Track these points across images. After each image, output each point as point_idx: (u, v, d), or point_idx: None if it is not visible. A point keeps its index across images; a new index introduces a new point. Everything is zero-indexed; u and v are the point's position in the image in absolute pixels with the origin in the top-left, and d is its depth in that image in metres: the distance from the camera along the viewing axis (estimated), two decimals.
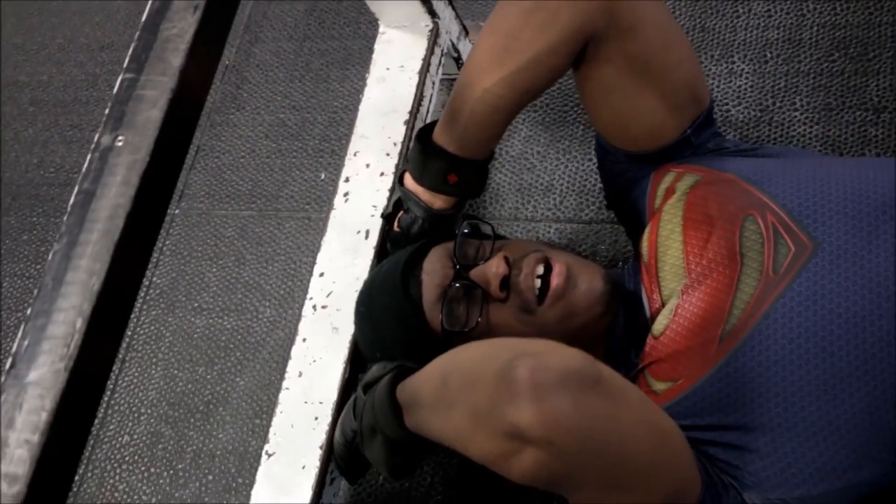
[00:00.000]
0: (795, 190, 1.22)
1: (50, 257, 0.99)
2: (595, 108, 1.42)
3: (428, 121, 1.74)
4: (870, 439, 1.11)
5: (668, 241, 1.30)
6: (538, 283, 1.30)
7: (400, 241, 1.52)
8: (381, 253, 1.57)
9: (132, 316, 1.88)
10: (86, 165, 1.03)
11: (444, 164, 1.46)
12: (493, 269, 1.30)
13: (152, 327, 1.89)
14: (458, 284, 1.32)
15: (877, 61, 1.76)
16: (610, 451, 1.01)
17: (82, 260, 0.97)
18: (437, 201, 1.49)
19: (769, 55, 1.83)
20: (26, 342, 0.94)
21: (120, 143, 1.03)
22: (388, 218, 1.56)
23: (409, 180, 1.52)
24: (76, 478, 1.74)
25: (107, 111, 1.06)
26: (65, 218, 1.01)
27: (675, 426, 1.12)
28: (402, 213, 1.53)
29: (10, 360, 0.94)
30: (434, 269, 1.35)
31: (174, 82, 1.05)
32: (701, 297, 1.23)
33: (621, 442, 1.02)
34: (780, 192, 1.23)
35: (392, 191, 1.61)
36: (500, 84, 1.37)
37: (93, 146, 1.04)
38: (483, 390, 1.03)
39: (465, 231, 1.38)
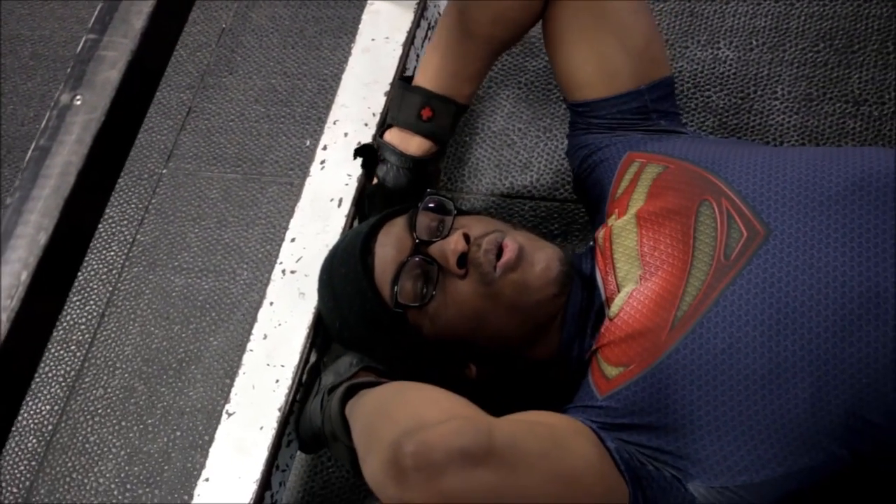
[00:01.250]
0: (751, 176, 1.23)
1: (3, 211, 1.01)
2: (555, 53, 1.49)
3: (421, 57, 1.76)
4: (812, 428, 1.12)
5: (624, 232, 1.32)
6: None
7: (376, 195, 1.55)
8: (353, 222, 1.59)
9: (114, 272, 1.92)
10: (44, 122, 1.05)
11: (420, 97, 1.52)
12: (452, 245, 1.30)
13: (133, 284, 1.92)
14: (415, 259, 1.33)
15: (861, 54, 1.77)
16: None
17: (32, 215, 0.99)
18: (412, 145, 1.53)
19: (755, 42, 1.83)
20: None
21: (78, 103, 1.05)
22: (362, 163, 1.59)
23: (387, 133, 1.55)
24: (49, 427, 1.78)
25: (68, 70, 1.08)
26: (20, 173, 1.03)
27: (586, 456, 1.13)
28: (379, 164, 1.55)
29: None
30: (390, 242, 1.36)
31: (135, 45, 1.07)
32: (656, 281, 1.24)
33: (521, 497, 1.03)
34: (735, 177, 1.24)
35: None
36: (475, 21, 1.46)
37: (52, 104, 1.06)
38: (379, 460, 1.04)
39: (428, 205, 1.39)
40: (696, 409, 1.16)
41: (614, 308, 1.28)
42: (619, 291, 1.29)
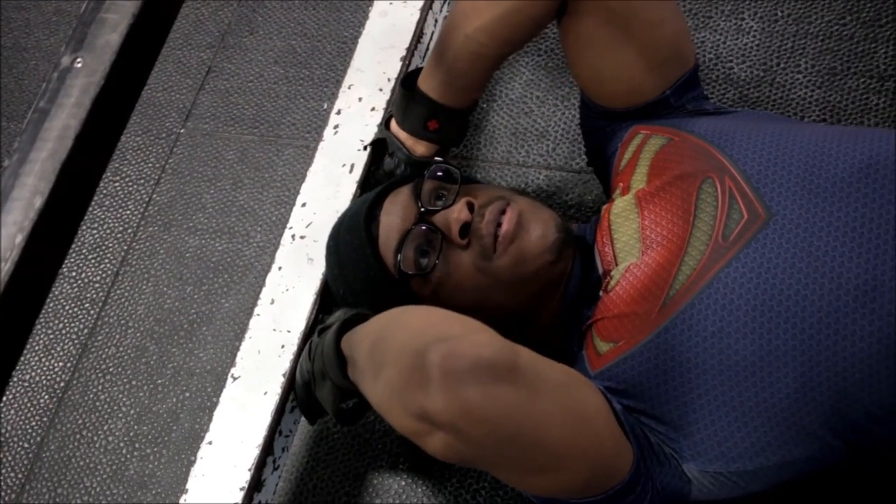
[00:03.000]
0: (758, 155, 1.21)
1: (1, 173, 1.01)
2: (575, 62, 1.42)
3: (426, 59, 1.74)
4: (804, 418, 1.10)
5: (625, 210, 1.30)
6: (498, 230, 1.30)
7: (383, 182, 1.53)
8: (364, 188, 1.58)
9: (129, 231, 1.92)
10: (44, 84, 1.04)
11: (425, 109, 1.47)
12: (455, 214, 1.30)
13: (148, 244, 1.92)
14: (419, 227, 1.32)
15: (889, 28, 1.73)
16: (523, 438, 1.02)
17: (29, 178, 0.99)
18: (419, 147, 1.50)
19: (780, 13, 1.80)
20: None
21: (79, 65, 1.05)
22: (371, 151, 1.58)
23: (394, 124, 1.53)
24: (62, 384, 1.79)
25: (70, 32, 1.07)
26: (19, 135, 1.03)
27: (598, 405, 1.13)
28: (386, 156, 1.54)
29: None
30: (395, 210, 1.35)
31: (136, 8, 1.06)
32: (653, 256, 1.23)
33: (535, 429, 1.03)
34: (741, 155, 1.22)
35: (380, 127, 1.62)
36: (481, 31, 1.37)
37: (54, 66, 1.06)
38: (400, 368, 1.04)
39: (435, 174, 1.38)
40: (686, 392, 1.15)
41: (612, 282, 1.27)
42: (616, 265, 1.28)
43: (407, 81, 1.51)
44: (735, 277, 1.13)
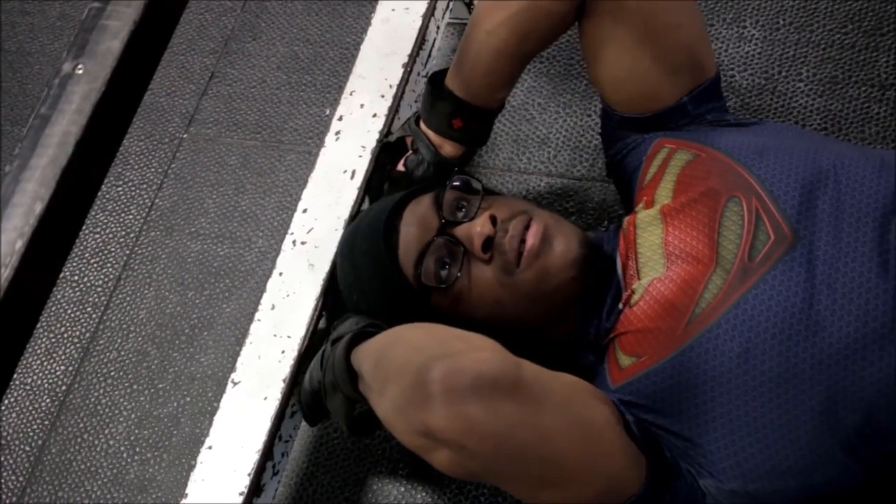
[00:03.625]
0: (785, 176, 1.20)
1: (2, 179, 1.01)
2: (594, 65, 1.43)
3: (428, 65, 1.75)
4: (825, 440, 1.10)
5: (650, 225, 1.30)
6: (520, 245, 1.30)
7: (401, 183, 1.53)
8: (365, 194, 1.59)
9: (131, 235, 1.93)
10: (46, 91, 1.05)
11: (451, 107, 1.47)
12: (478, 228, 1.29)
13: (150, 248, 1.92)
14: (440, 240, 1.32)
15: (890, 37, 1.73)
16: (529, 454, 1.03)
17: (29, 184, 1.00)
18: (445, 146, 1.50)
19: (782, 22, 1.80)
20: None
21: (80, 72, 1.05)
22: (386, 146, 1.57)
23: (422, 122, 1.53)
24: (63, 387, 1.80)
25: (71, 38, 1.07)
26: (20, 142, 1.03)
27: (606, 417, 1.13)
28: (409, 153, 1.54)
29: None
30: (416, 220, 1.34)
31: (138, 14, 1.07)
32: (678, 273, 1.22)
33: (542, 444, 1.03)
34: (769, 176, 1.21)
35: (383, 133, 1.62)
36: (502, 26, 1.38)
37: (55, 72, 1.06)
38: (402, 386, 1.04)
39: (455, 184, 1.38)
40: (709, 410, 1.14)
41: (635, 296, 1.26)
42: (638, 279, 1.27)
43: (434, 79, 1.51)
44: (763, 300, 1.12)
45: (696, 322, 1.16)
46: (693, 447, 1.16)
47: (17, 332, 0.98)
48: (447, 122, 1.48)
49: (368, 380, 1.19)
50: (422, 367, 1.01)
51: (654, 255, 1.27)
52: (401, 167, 1.55)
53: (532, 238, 1.29)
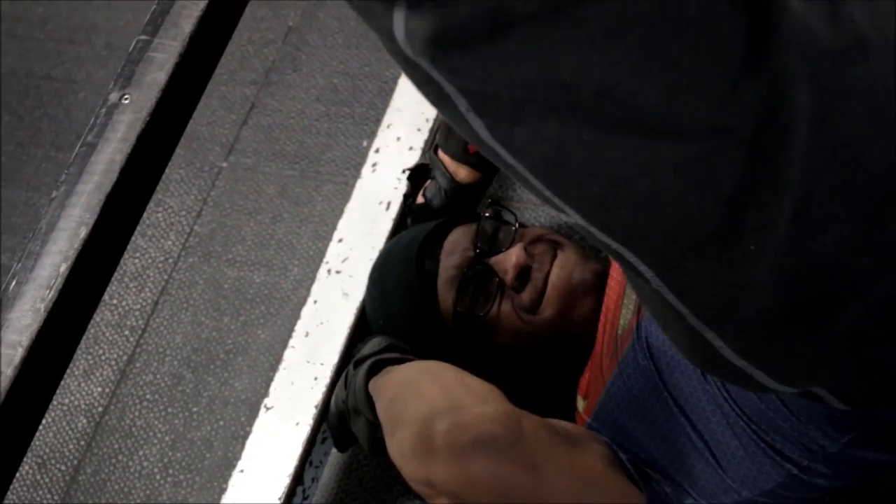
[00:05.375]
0: None
1: (48, 203, 1.05)
2: None
3: None
4: (755, 453, 1.08)
5: None
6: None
7: (421, 214, 1.56)
8: (400, 225, 1.61)
9: (170, 261, 1.96)
10: (92, 119, 1.09)
11: None
12: (514, 259, 1.33)
13: (187, 274, 1.96)
14: (476, 269, 1.35)
15: None
16: None
17: (75, 209, 1.03)
18: (461, 171, 1.52)
19: None
20: (14, 282, 1.01)
21: (126, 101, 1.09)
22: (410, 177, 1.60)
23: (441, 151, 1.56)
24: (100, 409, 1.83)
25: (119, 69, 1.11)
26: (66, 168, 1.07)
27: (605, 459, 1.14)
28: (428, 182, 1.57)
29: None
30: (454, 249, 1.38)
31: (182, 47, 1.11)
32: (612, 297, 1.26)
33: (539, 495, 1.04)
34: None
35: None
36: None
37: (101, 101, 1.10)
38: (409, 435, 1.07)
39: (488, 215, 1.41)
40: (652, 435, 1.15)
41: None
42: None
43: None
44: None
45: (619, 349, 1.19)
46: (660, 470, 1.17)
47: (60, 352, 1.01)
48: (462, 146, 1.51)
49: (381, 415, 1.22)
50: (428, 419, 1.04)
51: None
52: (420, 199, 1.58)
53: (554, 278, 1.32)
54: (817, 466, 1.03)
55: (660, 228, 0.67)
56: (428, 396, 1.11)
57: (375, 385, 1.27)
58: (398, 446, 1.11)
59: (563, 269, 1.32)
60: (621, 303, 1.22)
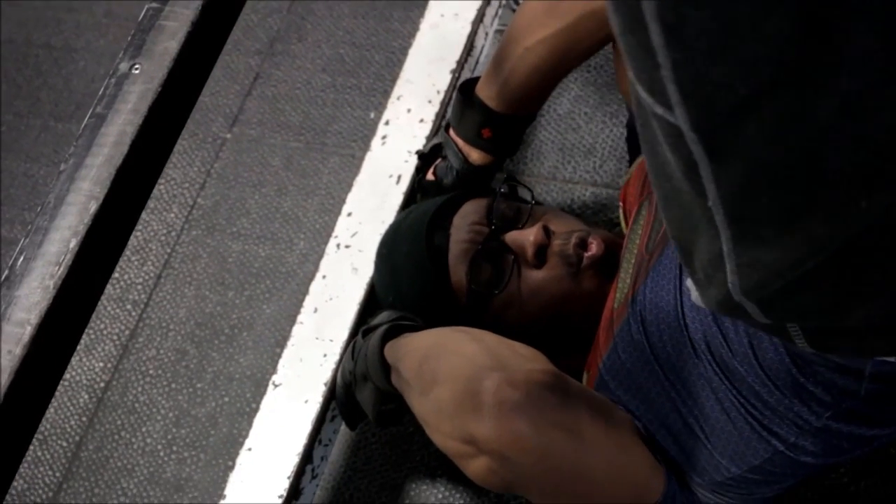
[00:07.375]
0: None
1: (57, 177, 1.02)
2: (624, 76, 1.42)
3: (476, 72, 1.74)
4: (743, 429, 1.06)
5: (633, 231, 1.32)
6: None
7: (431, 191, 1.53)
8: (410, 199, 1.58)
9: (173, 234, 1.93)
10: (101, 90, 1.05)
11: (480, 117, 1.46)
12: (532, 237, 1.31)
13: (191, 247, 1.93)
14: (491, 245, 1.33)
15: None
16: (566, 467, 1.03)
17: (84, 182, 1.00)
18: (473, 154, 1.50)
19: None
20: (21, 257, 0.98)
21: (136, 71, 1.06)
22: (422, 157, 1.57)
23: (453, 130, 1.53)
24: (102, 384, 1.80)
25: (129, 38, 1.08)
26: (75, 140, 1.04)
27: (632, 429, 1.13)
28: (439, 160, 1.54)
29: (5, 273, 0.98)
30: (466, 224, 1.36)
31: (195, 15, 1.07)
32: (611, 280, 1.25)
33: (580, 459, 1.04)
34: None
35: (429, 139, 1.62)
36: (540, 45, 1.37)
37: (111, 71, 1.07)
38: (452, 391, 1.05)
39: (507, 192, 1.39)
40: (648, 408, 1.14)
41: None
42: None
43: (465, 87, 1.50)
44: (651, 287, 1.13)
45: (615, 324, 1.18)
46: (659, 443, 1.16)
47: (70, 330, 0.98)
48: (476, 131, 1.48)
49: (409, 376, 1.20)
50: (474, 376, 1.02)
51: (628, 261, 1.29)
52: (430, 176, 1.55)
53: (595, 248, 1.32)
54: (804, 443, 1.01)
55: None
56: (470, 355, 1.09)
57: (396, 348, 1.24)
58: (436, 404, 1.09)
59: (602, 243, 1.31)
60: (619, 276, 1.21)
